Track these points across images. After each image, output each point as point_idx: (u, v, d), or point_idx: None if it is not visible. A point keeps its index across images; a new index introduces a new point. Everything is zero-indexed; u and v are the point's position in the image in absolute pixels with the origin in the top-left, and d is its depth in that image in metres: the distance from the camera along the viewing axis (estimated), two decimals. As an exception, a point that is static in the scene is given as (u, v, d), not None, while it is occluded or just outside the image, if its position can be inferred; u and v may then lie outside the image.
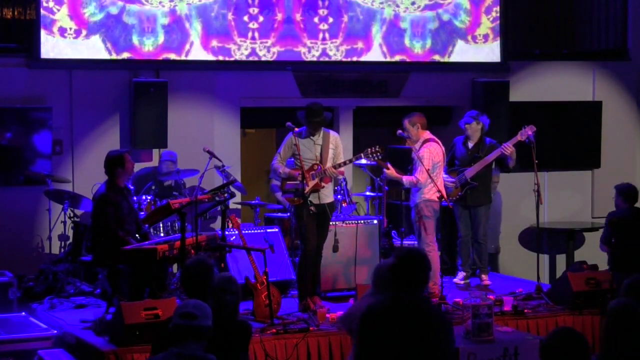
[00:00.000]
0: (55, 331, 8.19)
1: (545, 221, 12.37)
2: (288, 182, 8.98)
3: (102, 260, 8.60)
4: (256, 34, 11.35)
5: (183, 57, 11.07)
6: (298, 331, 8.04)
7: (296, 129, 8.98)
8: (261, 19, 11.36)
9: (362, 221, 9.89)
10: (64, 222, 9.98)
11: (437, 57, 12.11)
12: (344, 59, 11.69)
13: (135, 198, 9.50)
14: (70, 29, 10.65)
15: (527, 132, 9.93)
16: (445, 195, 9.41)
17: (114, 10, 10.81)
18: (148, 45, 10.94)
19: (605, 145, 12.96)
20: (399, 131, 9.69)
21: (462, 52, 12.21)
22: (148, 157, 11.10)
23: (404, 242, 10.03)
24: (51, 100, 10.71)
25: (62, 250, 10.06)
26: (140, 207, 9.69)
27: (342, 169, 9.05)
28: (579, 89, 12.98)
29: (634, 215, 9.90)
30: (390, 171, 9.54)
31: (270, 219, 10.74)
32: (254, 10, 11.33)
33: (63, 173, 10.64)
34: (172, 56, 11.04)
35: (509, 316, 8.66)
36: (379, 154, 9.13)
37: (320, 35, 11.60)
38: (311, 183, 8.82)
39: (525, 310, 8.79)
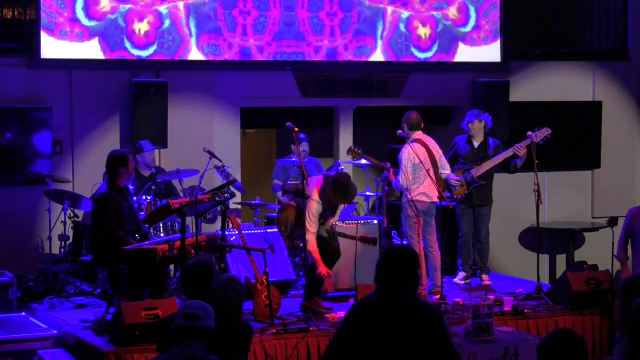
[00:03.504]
0: (55, 331, 8.18)
1: (545, 221, 12.36)
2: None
3: (102, 260, 8.59)
4: (254, 32, 11.35)
5: (180, 58, 11.07)
6: (298, 331, 8.04)
7: (296, 129, 9.02)
8: (259, 14, 11.35)
9: (362, 221, 9.88)
10: (64, 222, 9.97)
11: (438, 58, 12.11)
12: (345, 59, 11.69)
13: (135, 198, 9.49)
14: (71, 30, 10.65)
15: (542, 134, 9.89)
16: (443, 195, 9.39)
17: (112, 14, 10.79)
18: (144, 48, 10.95)
19: (605, 145, 12.95)
20: (399, 131, 9.70)
21: (463, 53, 12.20)
22: (148, 157, 11.08)
23: (404, 241, 10.03)
24: (51, 100, 10.70)
25: (62, 250, 10.05)
26: (140, 207, 9.69)
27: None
28: (579, 89, 12.97)
29: None
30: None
31: (270, 219, 10.73)
32: (252, 7, 11.32)
33: (63, 173, 10.64)
34: (169, 56, 11.05)
35: (509, 316, 8.65)
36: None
37: (326, 33, 11.59)
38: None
39: (525, 310, 8.78)
